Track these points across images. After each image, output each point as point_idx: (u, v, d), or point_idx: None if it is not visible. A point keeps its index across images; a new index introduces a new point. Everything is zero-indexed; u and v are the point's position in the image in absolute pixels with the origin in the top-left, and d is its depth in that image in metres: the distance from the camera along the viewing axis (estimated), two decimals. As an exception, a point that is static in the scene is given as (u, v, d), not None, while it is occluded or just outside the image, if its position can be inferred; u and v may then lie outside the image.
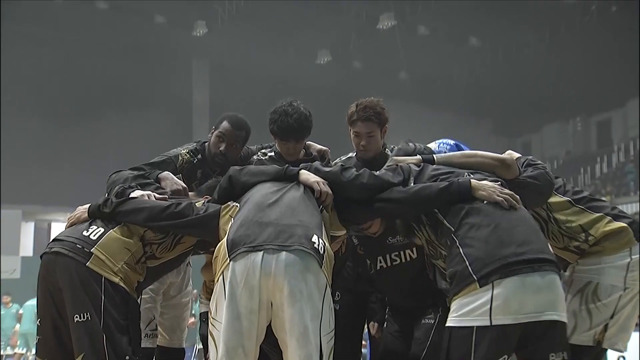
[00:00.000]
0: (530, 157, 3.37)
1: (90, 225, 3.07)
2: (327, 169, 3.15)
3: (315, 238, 2.71)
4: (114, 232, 3.04)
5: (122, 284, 2.95)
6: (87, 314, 2.88)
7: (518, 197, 2.94)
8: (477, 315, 2.65)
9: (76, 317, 2.89)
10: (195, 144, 3.84)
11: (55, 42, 21.36)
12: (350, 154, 3.86)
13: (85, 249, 2.95)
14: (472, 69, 25.57)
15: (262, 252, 2.64)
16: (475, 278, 2.67)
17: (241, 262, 2.64)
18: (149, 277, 3.17)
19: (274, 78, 22.83)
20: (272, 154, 3.84)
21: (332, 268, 2.81)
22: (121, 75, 22.50)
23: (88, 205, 3.18)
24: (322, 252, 2.71)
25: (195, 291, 4.04)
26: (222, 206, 3.01)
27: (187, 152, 3.75)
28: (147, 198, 3.13)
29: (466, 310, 2.68)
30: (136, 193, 3.17)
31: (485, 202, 2.89)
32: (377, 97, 3.68)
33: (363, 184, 3.03)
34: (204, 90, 25.18)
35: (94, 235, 3.01)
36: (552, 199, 3.29)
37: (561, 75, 24.57)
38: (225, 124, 3.70)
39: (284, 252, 2.64)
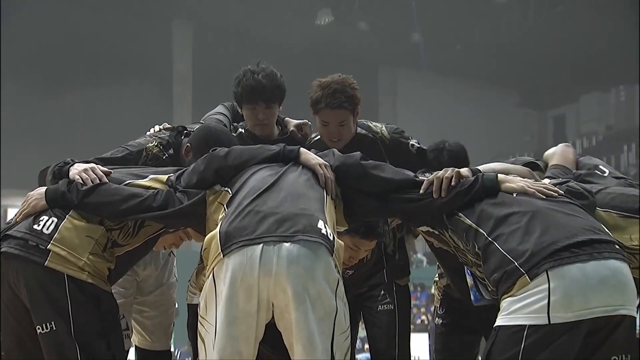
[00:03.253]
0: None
1: (38, 215, 2.98)
2: (346, 155, 3.08)
3: (321, 224, 2.70)
4: (70, 220, 2.97)
5: (90, 280, 2.91)
6: (51, 324, 2.84)
7: (557, 189, 2.92)
8: (531, 312, 2.57)
9: (39, 328, 2.86)
10: (170, 133, 3.67)
11: (17, 2, 21.25)
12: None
13: (41, 246, 2.88)
14: (496, 30, 25.46)
15: (261, 245, 2.62)
16: (524, 271, 2.60)
17: (236, 258, 2.63)
18: (116, 269, 3.13)
19: (267, 42, 22.74)
20: (242, 130, 3.75)
21: (342, 258, 2.82)
22: (90, 41, 22.37)
23: (42, 190, 3.06)
24: (331, 238, 2.71)
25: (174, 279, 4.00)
26: (208, 191, 2.99)
27: (156, 145, 3.58)
28: (90, 172, 3.07)
29: (518, 307, 2.60)
30: (77, 167, 3.12)
31: (515, 194, 2.89)
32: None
33: (383, 178, 3.00)
34: (186, 56, 25.07)
35: (47, 229, 2.92)
36: (600, 215, 3.11)
37: (601, 36, 24.43)
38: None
39: (286, 244, 2.63)
